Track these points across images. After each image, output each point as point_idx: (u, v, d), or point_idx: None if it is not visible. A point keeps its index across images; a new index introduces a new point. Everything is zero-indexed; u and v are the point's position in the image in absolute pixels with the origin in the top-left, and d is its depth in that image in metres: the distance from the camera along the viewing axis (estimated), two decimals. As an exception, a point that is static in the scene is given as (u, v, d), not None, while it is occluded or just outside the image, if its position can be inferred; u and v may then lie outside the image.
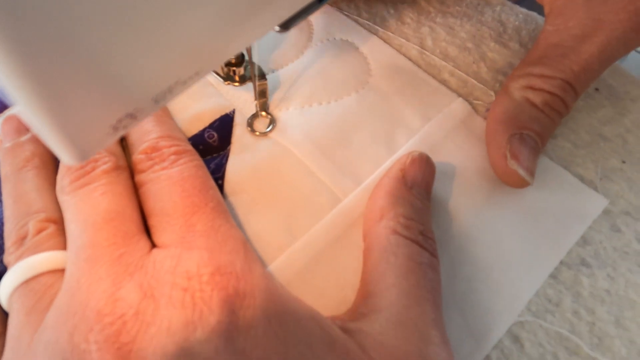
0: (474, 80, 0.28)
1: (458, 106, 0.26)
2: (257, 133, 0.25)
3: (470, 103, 0.27)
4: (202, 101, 0.26)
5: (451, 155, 0.25)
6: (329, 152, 0.24)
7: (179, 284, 0.15)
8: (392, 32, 0.29)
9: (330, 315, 0.18)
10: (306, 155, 0.24)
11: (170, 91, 0.13)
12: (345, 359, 0.15)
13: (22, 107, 0.10)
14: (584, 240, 0.23)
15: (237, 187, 0.23)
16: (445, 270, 0.21)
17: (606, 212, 0.24)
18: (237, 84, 0.26)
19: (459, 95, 0.27)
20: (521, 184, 0.22)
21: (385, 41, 0.29)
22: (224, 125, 0.24)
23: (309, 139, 0.25)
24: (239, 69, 0.26)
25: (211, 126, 0.24)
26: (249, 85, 0.26)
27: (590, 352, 0.21)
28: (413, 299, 0.17)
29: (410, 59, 0.28)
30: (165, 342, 0.14)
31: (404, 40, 0.29)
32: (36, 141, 0.20)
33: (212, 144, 0.23)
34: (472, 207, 0.23)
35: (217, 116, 0.24)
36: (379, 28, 0.30)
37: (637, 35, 0.22)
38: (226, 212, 0.19)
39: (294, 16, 0.17)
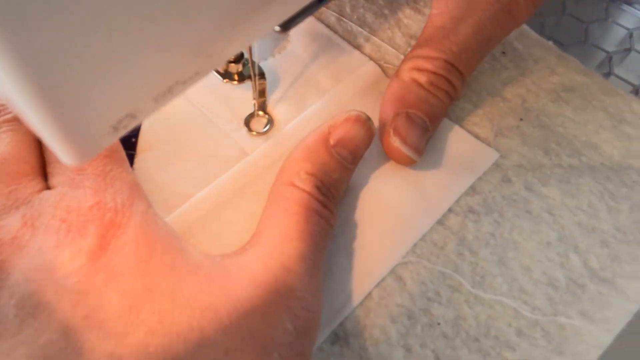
0: (387, 45, 0.29)
1: (368, 69, 0.28)
2: (254, 133, 0.25)
3: (381, 66, 0.28)
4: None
5: (357, 114, 0.26)
6: (238, 111, 0.26)
7: (59, 215, 0.17)
8: (314, 1, 0.31)
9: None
10: (216, 113, 0.26)
11: (170, 91, 0.13)
12: (205, 280, 0.17)
13: (22, 108, 0.11)
14: (473, 190, 0.25)
15: (150, 144, 0.24)
16: (338, 218, 0.23)
17: (498, 165, 0.26)
18: (235, 82, 0.26)
19: (371, 59, 0.28)
20: (406, 160, 0.23)
21: (306, 9, 0.30)
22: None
23: (219, 99, 0.26)
24: (237, 65, 0.26)
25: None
26: (247, 84, 0.26)
27: (472, 289, 0.23)
28: (287, 235, 0.19)
29: (328, 26, 0.30)
30: (33, 260, 0.16)
31: (323, 8, 0.30)
32: None
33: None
34: (368, 160, 0.25)
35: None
36: (302, -3, 0.31)
37: (508, 15, 0.24)
38: (122, 159, 0.20)
39: (294, 16, 0.17)
